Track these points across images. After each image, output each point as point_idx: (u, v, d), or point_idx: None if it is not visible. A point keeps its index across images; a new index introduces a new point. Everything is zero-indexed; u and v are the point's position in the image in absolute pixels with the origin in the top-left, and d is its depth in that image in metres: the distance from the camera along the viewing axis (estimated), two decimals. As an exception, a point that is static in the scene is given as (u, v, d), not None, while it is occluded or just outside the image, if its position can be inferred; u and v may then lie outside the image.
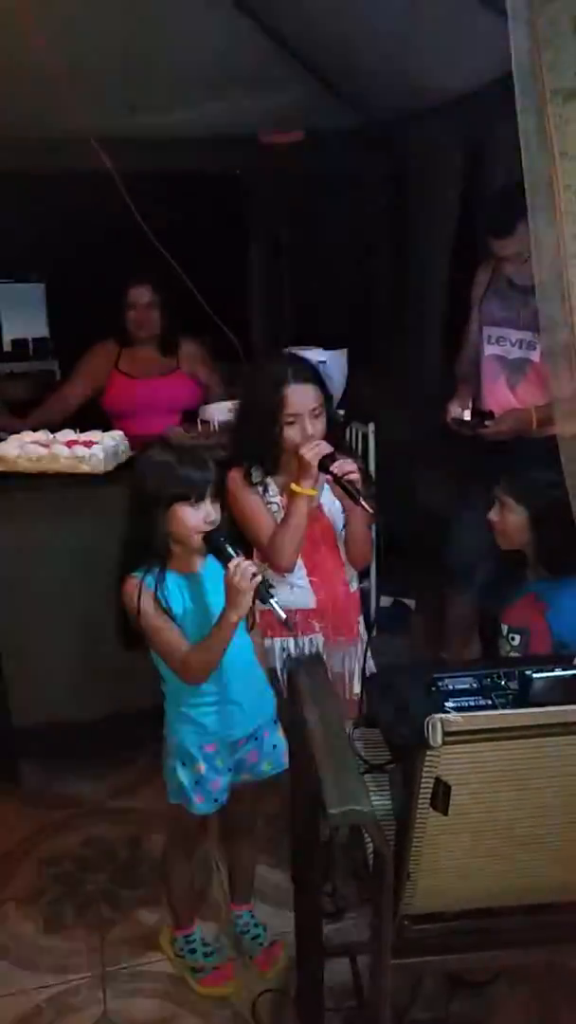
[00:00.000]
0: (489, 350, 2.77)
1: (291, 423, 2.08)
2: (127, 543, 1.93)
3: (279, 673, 2.19)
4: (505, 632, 2.07)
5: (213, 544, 1.87)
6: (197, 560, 1.95)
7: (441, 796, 1.29)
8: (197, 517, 1.86)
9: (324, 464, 2.03)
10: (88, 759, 2.95)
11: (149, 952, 2.26)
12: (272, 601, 1.84)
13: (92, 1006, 2.11)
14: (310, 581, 2.19)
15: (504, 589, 2.15)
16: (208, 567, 1.94)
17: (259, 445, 2.12)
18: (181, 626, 1.91)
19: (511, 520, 2.07)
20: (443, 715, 1.25)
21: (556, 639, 1.96)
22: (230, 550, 1.83)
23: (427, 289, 3.53)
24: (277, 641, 2.20)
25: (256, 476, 2.15)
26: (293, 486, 2.07)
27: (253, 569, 1.80)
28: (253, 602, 1.83)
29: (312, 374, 2.12)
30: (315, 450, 2.03)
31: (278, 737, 2.09)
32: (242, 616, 1.84)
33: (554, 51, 1.08)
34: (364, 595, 2.59)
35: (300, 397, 2.07)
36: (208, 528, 1.87)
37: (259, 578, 1.80)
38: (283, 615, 1.85)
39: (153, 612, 1.88)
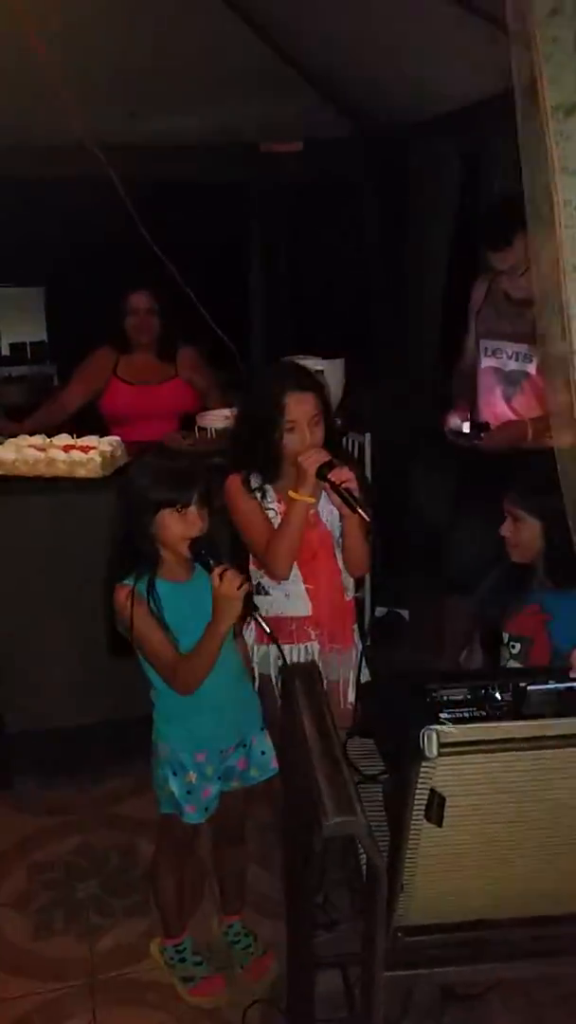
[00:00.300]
0: (485, 362, 2.78)
1: (291, 430, 2.09)
2: (116, 550, 1.94)
3: (274, 680, 2.19)
4: (506, 640, 2.08)
5: (197, 553, 1.87)
6: (187, 569, 1.95)
7: (436, 808, 1.29)
8: (184, 524, 1.86)
9: (322, 471, 2.04)
10: (80, 766, 2.95)
11: (139, 961, 2.25)
12: (256, 614, 1.86)
13: (81, 1014, 2.10)
14: (306, 589, 2.19)
15: (504, 598, 2.15)
16: (199, 576, 1.94)
17: (259, 452, 2.13)
18: (172, 635, 1.91)
19: (525, 533, 2.05)
20: (439, 726, 1.25)
21: (556, 649, 1.97)
22: (211, 561, 1.84)
23: (424, 300, 3.54)
24: (272, 648, 2.19)
25: (255, 482, 2.16)
26: (291, 493, 2.08)
27: (239, 579, 1.81)
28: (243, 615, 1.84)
29: (312, 382, 2.14)
30: (313, 457, 2.04)
31: (265, 743, 2.10)
32: (231, 625, 1.85)
33: (555, 66, 1.09)
34: (359, 604, 2.59)
35: (300, 405, 2.08)
36: (195, 535, 1.87)
37: (245, 588, 1.80)
38: (268, 629, 1.87)
39: (145, 620, 1.88)
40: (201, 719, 1.98)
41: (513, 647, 2.07)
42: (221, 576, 1.81)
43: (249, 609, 1.87)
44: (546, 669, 1.92)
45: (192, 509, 1.87)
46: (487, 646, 2.18)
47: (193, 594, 1.94)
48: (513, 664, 2.07)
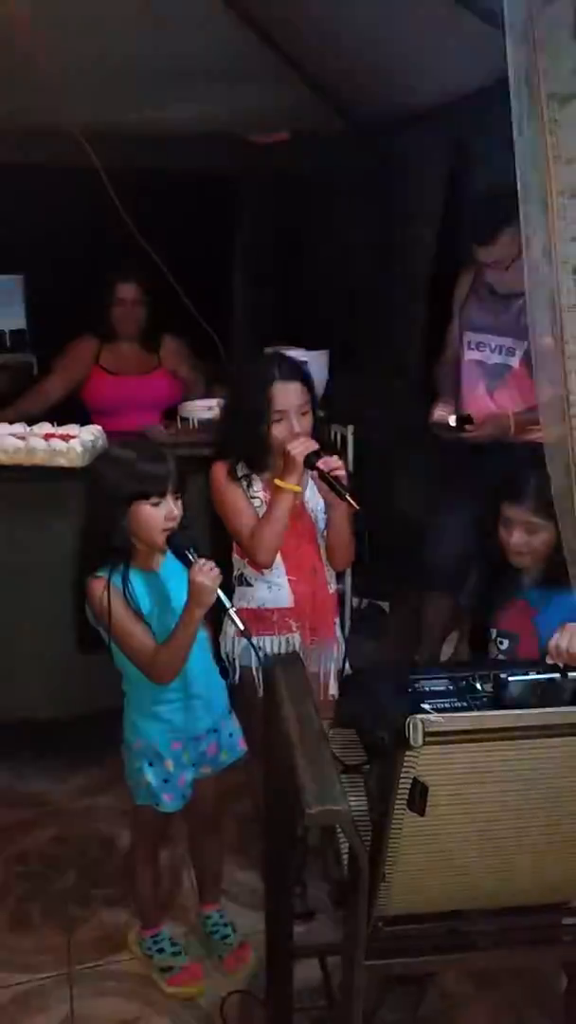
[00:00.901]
0: (469, 355, 2.79)
1: (278, 420, 2.09)
2: (88, 543, 1.92)
3: (254, 672, 2.18)
4: (494, 636, 2.08)
5: (174, 544, 1.86)
6: (158, 558, 1.95)
7: (419, 797, 1.29)
8: (158, 515, 1.86)
9: (310, 460, 2.04)
10: (55, 758, 2.94)
11: (117, 952, 2.25)
12: (231, 611, 1.86)
13: (58, 1005, 2.09)
14: (289, 580, 2.19)
15: (490, 595, 2.14)
16: (168, 564, 1.94)
17: (246, 442, 2.13)
18: (147, 625, 1.90)
19: (541, 539, 2.00)
20: (424, 715, 1.25)
21: (544, 644, 1.97)
22: (189, 555, 1.83)
23: (409, 293, 3.54)
24: (254, 640, 2.19)
25: (241, 471, 2.15)
26: (277, 481, 2.08)
27: (215, 568, 1.81)
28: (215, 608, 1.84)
29: (298, 372, 2.14)
30: (302, 446, 2.04)
31: (233, 726, 2.12)
32: (205, 611, 1.84)
33: (551, 56, 1.09)
34: (340, 597, 2.60)
35: (287, 394, 2.09)
36: (170, 526, 1.87)
37: (220, 578, 1.81)
38: (241, 625, 1.87)
39: (123, 613, 1.87)
40: (176, 707, 1.99)
41: (501, 643, 2.08)
42: (198, 563, 1.81)
43: (221, 608, 1.86)
44: (525, 661, 1.93)
45: (167, 499, 1.87)
46: (474, 644, 2.17)
47: (164, 583, 1.95)
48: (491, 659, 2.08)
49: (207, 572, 1.80)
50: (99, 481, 1.92)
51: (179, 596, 1.88)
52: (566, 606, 1.86)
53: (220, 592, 1.83)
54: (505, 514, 2.04)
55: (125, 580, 1.89)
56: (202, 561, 1.82)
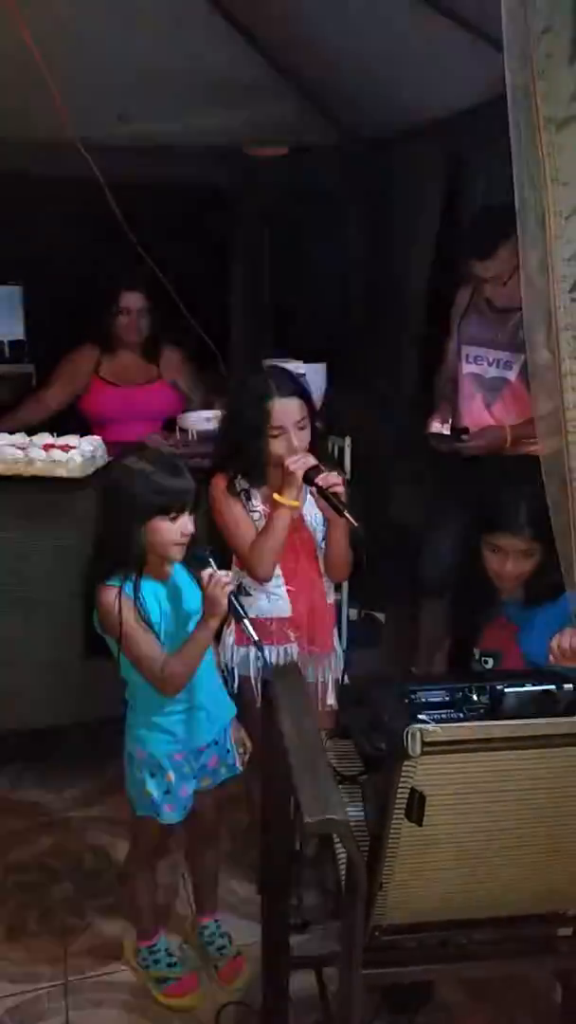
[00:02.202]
0: (467, 368, 2.81)
1: (276, 436, 2.10)
2: (100, 552, 1.93)
3: (252, 681, 2.19)
4: (477, 656, 2.08)
5: (193, 557, 1.87)
6: (168, 568, 1.95)
7: (416, 806, 1.30)
8: (175, 531, 1.87)
9: (309, 476, 2.05)
10: (52, 767, 2.93)
11: (113, 962, 2.24)
12: (245, 621, 1.87)
13: (54, 1016, 2.09)
14: (287, 591, 2.20)
15: (471, 614, 2.14)
16: (178, 575, 1.95)
17: (245, 458, 2.13)
18: (157, 635, 1.91)
19: (532, 563, 1.99)
20: (422, 725, 1.26)
21: (528, 662, 1.98)
22: (212, 563, 1.84)
23: (406, 305, 3.57)
24: (252, 649, 2.20)
25: (240, 484, 2.17)
26: (276, 496, 2.09)
27: (227, 579, 1.82)
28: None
29: (296, 386, 2.15)
30: (301, 462, 2.05)
31: (231, 741, 2.11)
32: (219, 622, 1.85)
33: (548, 80, 1.11)
34: (337, 607, 2.61)
35: (285, 410, 2.10)
36: (184, 540, 1.87)
37: (232, 587, 1.82)
38: (255, 636, 1.88)
39: (134, 621, 1.88)
40: (182, 719, 1.99)
41: (486, 662, 2.08)
42: (210, 576, 1.82)
43: (236, 617, 1.87)
44: (521, 672, 1.94)
45: (184, 516, 1.88)
46: (456, 663, 2.17)
47: (172, 593, 1.95)
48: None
49: (218, 584, 1.81)
50: (118, 492, 1.91)
51: (189, 604, 1.88)
52: (547, 621, 1.87)
53: (235, 601, 1.84)
54: (497, 543, 2.02)
55: (136, 589, 1.89)
56: (210, 572, 1.83)
